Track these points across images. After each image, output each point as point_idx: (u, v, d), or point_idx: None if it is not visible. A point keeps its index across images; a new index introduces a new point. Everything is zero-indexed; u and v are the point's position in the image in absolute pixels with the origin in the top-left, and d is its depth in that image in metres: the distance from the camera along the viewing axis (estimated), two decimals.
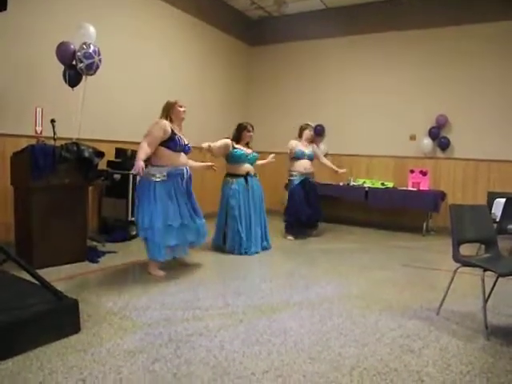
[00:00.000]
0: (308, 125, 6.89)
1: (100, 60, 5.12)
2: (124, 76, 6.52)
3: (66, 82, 5.10)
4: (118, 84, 6.40)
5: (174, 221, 4.33)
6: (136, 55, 6.74)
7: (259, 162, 6.01)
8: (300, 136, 6.84)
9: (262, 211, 5.81)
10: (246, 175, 5.64)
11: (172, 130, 4.35)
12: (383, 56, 8.33)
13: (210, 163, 5.10)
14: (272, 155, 6.12)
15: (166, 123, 4.33)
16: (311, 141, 6.94)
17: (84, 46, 4.98)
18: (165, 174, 4.33)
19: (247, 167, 5.67)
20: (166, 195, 4.33)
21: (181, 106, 4.49)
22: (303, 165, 6.69)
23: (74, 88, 5.17)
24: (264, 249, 5.74)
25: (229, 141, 5.61)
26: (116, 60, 6.21)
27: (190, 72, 7.97)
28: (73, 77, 5.11)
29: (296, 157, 6.66)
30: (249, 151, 5.72)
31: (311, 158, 6.80)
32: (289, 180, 6.81)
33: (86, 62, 4.97)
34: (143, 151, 4.19)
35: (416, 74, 8.02)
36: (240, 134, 5.73)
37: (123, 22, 6.51)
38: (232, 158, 5.62)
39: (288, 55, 9.32)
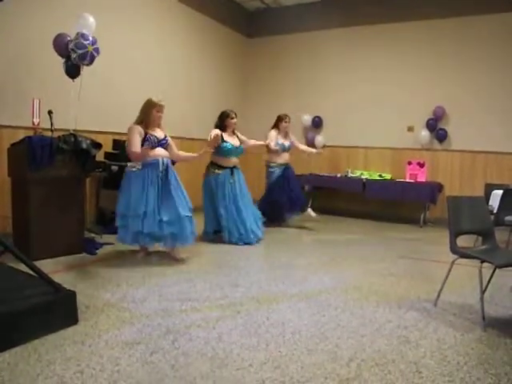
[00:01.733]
0: (286, 115, 6.84)
1: (96, 50, 5.04)
2: (122, 67, 6.49)
3: (66, 73, 5.07)
4: (116, 75, 6.37)
5: (140, 209, 4.42)
6: (133, 46, 6.70)
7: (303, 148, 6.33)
8: (277, 126, 6.79)
9: (250, 202, 5.83)
10: (233, 168, 5.66)
11: (145, 131, 4.53)
12: (381, 48, 8.30)
13: (205, 149, 5.05)
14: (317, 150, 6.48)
15: (137, 128, 4.51)
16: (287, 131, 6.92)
17: (77, 36, 4.93)
18: (140, 165, 4.52)
19: (234, 160, 5.69)
20: (139, 185, 4.48)
21: (158, 111, 4.57)
22: (283, 157, 6.75)
23: (75, 79, 5.13)
24: (258, 239, 5.74)
25: (219, 131, 5.57)
26: (114, 51, 6.16)
27: (187, 63, 7.93)
28: (71, 68, 5.08)
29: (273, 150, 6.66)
30: (237, 144, 5.70)
31: (289, 149, 6.85)
32: (269, 172, 6.80)
33: (79, 52, 4.91)
34: (138, 155, 4.46)
35: (414, 65, 8.00)
36: (223, 121, 5.70)
37: (121, 14, 6.46)
38: (221, 151, 5.58)
39: (286, 47, 9.27)
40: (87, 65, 5.09)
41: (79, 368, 2.44)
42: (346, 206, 8.40)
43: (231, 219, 5.54)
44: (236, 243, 5.51)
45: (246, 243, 5.52)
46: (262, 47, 9.61)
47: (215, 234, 5.69)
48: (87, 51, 4.95)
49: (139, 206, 4.43)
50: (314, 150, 7.18)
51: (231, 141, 5.65)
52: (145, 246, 4.78)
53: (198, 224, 5.00)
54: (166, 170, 4.61)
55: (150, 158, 4.51)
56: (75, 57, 4.95)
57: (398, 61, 8.16)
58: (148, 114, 4.56)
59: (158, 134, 4.64)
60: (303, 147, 7.21)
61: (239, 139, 5.80)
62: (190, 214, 4.64)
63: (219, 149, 5.56)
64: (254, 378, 2.40)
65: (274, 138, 6.63)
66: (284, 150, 6.74)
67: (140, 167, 4.51)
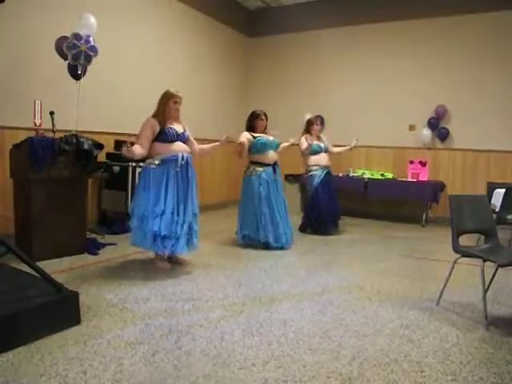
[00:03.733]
0: (316, 118, 6.70)
1: (91, 48, 5.02)
2: (123, 67, 6.50)
3: (70, 74, 5.09)
4: (117, 76, 6.38)
5: (158, 208, 4.18)
6: (134, 46, 6.71)
7: (285, 144, 5.82)
8: (308, 131, 6.56)
9: (285, 203, 5.57)
10: (274, 164, 5.45)
11: (162, 126, 4.28)
12: (382, 46, 8.29)
13: (225, 136, 4.81)
14: (293, 139, 6.01)
15: (152, 121, 4.28)
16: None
17: (70, 37, 4.94)
18: (158, 161, 4.27)
19: (273, 155, 5.45)
20: (158, 182, 4.24)
21: (176, 102, 4.36)
22: (323, 159, 6.49)
23: (78, 80, 5.15)
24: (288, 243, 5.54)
25: (247, 133, 5.42)
26: (115, 52, 6.18)
27: (188, 63, 7.94)
28: (73, 69, 5.09)
29: (313, 152, 6.42)
30: (270, 138, 5.49)
31: (327, 151, 6.61)
32: (308, 177, 6.52)
33: (72, 52, 4.93)
34: (135, 148, 4.13)
35: (415, 64, 7.99)
36: (252, 122, 5.52)
37: (121, 14, 6.47)
38: (256, 148, 5.38)
39: (286, 46, 9.27)
40: (84, 64, 5.08)
41: (82, 368, 2.44)
42: (348, 206, 8.37)
43: (273, 220, 5.32)
44: (276, 247, 5.34)
45: (284, 247, 5.38)
46: (263, 46, 9.61)
47: (245, 239, 5.45)
48: (80, 51, 4.95)
49: (158, 204, 4.18)
50: (348, 147, 6.89)
51: (263, 135, 5.47)
52: (163, 252, 4.37)
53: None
54: (186, 165, 4.35)
55: (169, 153, 4.28)
56: (70, 57, 4.96)
57: (399, 60, 8.14)
58: (165, 106, 4.33)
59: (177, 127, 4.40)
60: (337, 149, 6.92)
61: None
62: (193, 220, 4.46)
63: (252, 147, 5.38)
64: (257, 378, 2.40)
65: (304, 142, 6.39)
66: (320, 150, 6.48)
67: (159, 163, 4.26)
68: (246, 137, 5.39)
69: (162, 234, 4.17)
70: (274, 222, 5.33)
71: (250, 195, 5.37)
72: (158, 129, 4.26)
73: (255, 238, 5.37)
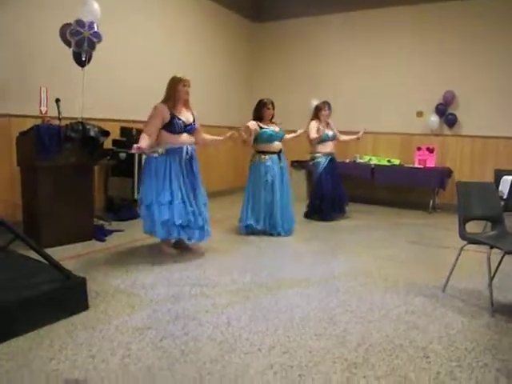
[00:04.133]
0: (324, 103, 6.67)
1: (94, 35, 4.98)
2: (128, 54, 6.47)
3: (75, 61, 5.09)
4: (122, 62, 6.36)
5: (165, 196, 4.20)
6: (138, 32, 6.66)
7: (290, 136, 5.84)
8: (317, 117, 6.51)
9: (288, 191, 5.60)
10: (279, 152, 5.51)
11: (172, 113, 4.25)
12: (390, 32, 8.19)
13: (230, 133, 4.75)
14: (300, 130, 5.98)
15: (162, 108, 4.24)
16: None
17: (73, 24, 4.92)
18: (162, 149, 4.25)
19: (278, 145, 5.50)
20: (162, 171, 4.25)
21: (185, 86, 4.30)
22: (328, 146, 6.51)
23: (84, 67, 5.14)
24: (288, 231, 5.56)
25: (254, 123, 5.43)
26: (119, 39, 6.15)
27: (193, 49, 7.88)
28: (78, 56, 5.08)
29: (321, 140, 6.41)
30: (276, 129, 5.52)
31: (334, 139, 6.64)
32: (314, 164, 6.55)
33: (76, 38, 4.92)
34: (144, 140, 4.13)
35: (423, 49, 7.90)
36: (260, 111, 5.51)
37: (125, 1, 6.42)
38: (262, 138, 5.42)
39: (292, 32, 9.17)
40: (88, 51, 5.07)
41: (91, 353, 2.48)
42: (355, 192, 8.35)
43: (273, 208, 5.39)
44: (273, 234, 5.40)
45: (281, 234, 5.41)
46: (268, 32, 9.51)
47: (248, 228, 5.45)
48: (83, 37, 4.93)
49: (164, 194, 4.19)
50: (355, 136, 6.88)
51: (269, 126, 5.49)
52: (178, 238, 4.47)
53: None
54: (191, 159, 4.39)
55: (174, 144, 4.27)
56: (73, 44, 4.96)
57: (407, 45, 8.05)
58: (174, 91, 4.28)
59: (186, 116, 4.36)
60: (345, 137, 6.91)
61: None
62: (204, 210, 4.51)
63: (258, 138, 5.42)
64: (263, 363, 2.43)
65: (313, 128, 6.37)
66: (328, 139, 6.48)
67: (162, 152, 4.24)
68: (253, 126, 5.40)
69: (177, 223, 4.20)
70: (273, 211, 5.40)
71: (256, 182, 5.42)
72: (168, 116, 4.23)
73: (256, 227, 5.40)
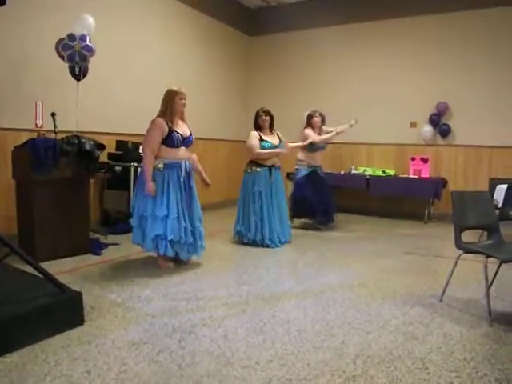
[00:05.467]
0: (315, 111, 6.65)
1: (86, 48, 5.01)
2: (123, 68, 6.49)
3: (71, 75, 5.12)
4: (118, 76, 6.38)
5: (161, 211, 4.19)
6: (134, 46, 6.70)
7: (292, 145, 5.91)
8: (310, 125, 6.55)
9: (283, 204, 5.64)
10: (271, 167, 5.52)
11: (170, 126, 4.25)
12: (383, 44, 8.27)
13: (205, 180, 4.76)
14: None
15: (160, 122, 4.22)
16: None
17: (65, 38, 4.96)
18: (162, 164, 4.25)
19: (273, 158, 5.54)
20: (160, 185, 4.23)
21: (181, 99, 4.31)
22: (314, 158, 6.52)
23: (80, 81, 5.17)
24: (283, 242, 5.58)
25: (256, 133, 5.48)
26: (115, 52, 6.18)
27: (190, 62, 7.93)
28: (74, 70, 5.11)
29: (311, 149, 6.43)
30: (276, 142, 5.54)
31: (324, 149, 6.65)
32: (296, 170, 6.61)
33: (67, 52, 4.96)
34: (149, 161, 4.19)
35: (416, 61, 7.97)
36: (256, 121, 5.58)
37: (121, 14, 6.46)
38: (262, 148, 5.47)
39: (287, 45, 9.25)
40: (81, 64, 5.08)
41: (86, 368, 2.45)
42: (350, 203, 8.38)
43: (263, 219, 5.40)
44: (262, 245, 5.40)
45: (269, 246, 5.40)
46: (264, 45, 9.59)
47: (238, 234, 5.55)
48: (75, 51, 4.97)
49: (161, 208, 4.18)
50: (346, 126, 6.64)
51: (270, 139, 5.51)
52: (165, 254, 4.32)
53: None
54: (189, 174, 4.42)
55: (172, 159, 4.28)
56: (66, 58, 4.98)
57: (400, 57, 8.12)
58: (171, 103, 4.27)
59: (183, 129, 4.37)
60: (329, 135, 6.57)
61: (279, 137, 5.65)
62: (200, 225, 4.52)
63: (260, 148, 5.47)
64: (261, 376, 2.41)
65: (311, 133, 6.41)
66: (318, 149, 6.51)
67: (162, 167, 4.24)
68: (255, 137, 5.46)
69: (169, 238, 4.19)
70: (263, 222, 5.41)
71: (245, 193, 5.52)
72: (166, 129, 4.22)
73: (246, 235, 5.45)
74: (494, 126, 7.35)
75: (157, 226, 4.19)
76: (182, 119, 4.46)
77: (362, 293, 3.84)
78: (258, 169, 5.47)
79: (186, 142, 4.40)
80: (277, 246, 5.43)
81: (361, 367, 2.52)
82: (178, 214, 4.24)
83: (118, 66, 6.37)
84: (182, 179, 4.32)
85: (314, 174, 6.51)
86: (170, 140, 4.25)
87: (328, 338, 2.92)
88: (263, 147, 5.44)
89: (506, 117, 7.28)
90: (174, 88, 4.33)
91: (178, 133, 4.28)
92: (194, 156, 4.61)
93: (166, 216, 4.19)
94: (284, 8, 9.23)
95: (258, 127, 5.57)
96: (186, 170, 4.37)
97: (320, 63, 8.92)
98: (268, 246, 5.39)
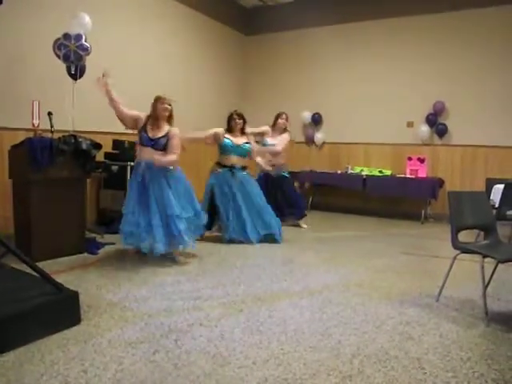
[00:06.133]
0: (283, 113, 6.53)
1: (81, 47, 5.02)
2: (120, 67, 6.44)
3: (68, 74, 5.12)
4: (115, 75, 6.34)
5: (127, 207, 4.56)
6: (130, 46, 6.69)
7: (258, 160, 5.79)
8: (274, 125, 6.50)
9: (258, 201, 5.63)
10: (231, 167, 5.56)
11: (143, 125, 4.55)
12: (380, 43, 8.28)
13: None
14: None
15: (139, 115, 4.61)
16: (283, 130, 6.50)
17: (60, 37, 4.95)
18: (134, 162, 4.73)
19: (233, 159, 5.57)
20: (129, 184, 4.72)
21: (163, 103, 4.57)
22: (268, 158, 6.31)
23: (77, 80, 5.18)
24: (263, 240, 5.64)
25: (220, 130, 5.57)
26: (112, 51, 6.16)
27: (186, 62, 7.92)
28: (69, 69, 5.10)
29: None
30: (239, 142, 5.59)
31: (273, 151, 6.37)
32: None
33: (62, 52, 4.97)
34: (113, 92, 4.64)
35: (413, 60, 7.98)
36: (228, 123, 5.68)
37: (118, 13, 6.46)
38: (220, 148, 5.63)
39: (283, 44, 9.26)
40: (76, 64, 5.08)
41: (83, 367, 2.44)
42: (347, 203, 8.41)
43: (228, 218, 5.51)
44: (226, 241, 5.51)
45: (233, 241, 5.48)
46: (260, 45, 9.59)
47: (209, 228, 5.56)
48: (70, 50, 4.97)
49: (126, 204, 4.59)
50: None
51: (233, 138, 5.59)
52: (124, 245, 4.67)
53: None
54: (148, 173, 4.51)
55: (139, 157, 4.62)
56: (61, 57, 4.98)
57: (396, 56, 8.14)
58: (154, 108, 4.59)
59: (156, 132, 4.54)
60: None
61: (247, 141, 5.66)
62: (184, 216, 4.54)
63: (219, 147, 5.62)
64: (257, 376, 2.41)
65: (283, 144, 6.34)
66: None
67: (134, 164, 4.72)
68: (217, 130, 5.58)
69: (126, 231, 4.52)
70: (234, 220, 5.51)
71: (207, 191, 5.65)
72: (141, 122, 4.59)
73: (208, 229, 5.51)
74: (490, 125, 7.37)
75: (122, 221, 4.60)
76: (169, 123, 4.65)
77: (359, 292, 3.84)
78: (219, 169, 5.59)
79: (154, 143, 4.54)
80: (247, 241, 5.51)
81: (357, 367, 2.52)
82: (133, 209, 4.50)
83: (115, 65, 6.31)
84: (139, 179, 4.54)
85: (264, 178, 6.42)
86: (140, 138, 4.59)
87: (324, 337, 2.92)
88: (224, 145, 5.55)
89: (502, 117, 7.30)
90: (159, 94, 4.63)
91: (146, 133, 4.54)
92: (156, 156, 4.55)
93: (126, 212, 4.56)
94: (280, 7, 9.23)
95: (229, 129, 5.66)
96: (145, 169, 4.52)
97: (316, 63, 8.93)
98: (242, 242, 5.50)
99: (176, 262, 4.62)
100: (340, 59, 8.71)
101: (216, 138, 5.55)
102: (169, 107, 4.61)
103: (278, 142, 6.38)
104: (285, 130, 6.50)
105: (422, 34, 7.88)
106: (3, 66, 5.02)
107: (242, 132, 5.70)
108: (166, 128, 4.60)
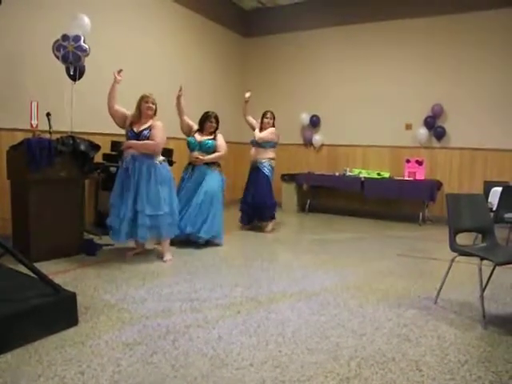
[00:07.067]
0: (268, 111, 6.55)
1: (79, 48, 5.01)
2: (118, 68, 6.46)
3: (68, 76, 5.13)
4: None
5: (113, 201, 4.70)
6: (129, 47, 6.68)
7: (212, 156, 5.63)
8: (261, 123, 6.52)
9: (204, 200, 5.40)
10: (189, 164, 5.57)
11: (131, 124, 4.71)
12: (379, 45, 8.29)
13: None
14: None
15: (128, 115, 4.79)
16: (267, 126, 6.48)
17: (58, 38, 4.96)
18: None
19: (193, 156, 5.50)
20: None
21: (147, 102, 4.69)
22: (253, 152, 6.51)
23: (76, 81, 5.18)
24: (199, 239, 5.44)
25: (195, 127, 5.59)
26: (111, 53, 6.16)
27: (185, 64, 7.92)
28: (68, 70, 5.10)
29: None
30: (202, 139, 5.50)
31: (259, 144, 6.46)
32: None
33: (61, 53, 4.96)
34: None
35: (412, 63, 8.00)
36: (202, 123, 5.60)
37: (117, 15, 6.45)
38: (187, 145, 5.60)
39: (282, 46, 9.27)
40: (75, 65, 5.08)
41: (80, 369, 2.44)
42: (345, 205, 8.41)
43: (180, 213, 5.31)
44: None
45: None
46: (259, 46, 9.60)
47: None
48: (68, 51, 4.97)
49: (111, 197, 4.75)
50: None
51: (199, 136, 5.52)
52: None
53: None
54: (132, 165, 4.59)
55: (125, 153, 4.69)
56: (60, 59, 4.98)
57: (395, 59, 8.15)
58: (139, 106, 4.74)
59: (140, 126, 4.68)
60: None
61: (214, 140, 5.56)
62: (152, 213, 4.57)
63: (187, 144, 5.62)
64: (255, 378, 2.40)
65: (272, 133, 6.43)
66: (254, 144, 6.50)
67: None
68: (194, 126, 5.64)
69: (110, 226, 4.73)
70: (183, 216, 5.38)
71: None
72: (127, 121, 4.75)
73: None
74: (488, 128, 7.38)
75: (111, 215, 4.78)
76: (148, 118, 4.74)
77: (356, 295, 3.84)
78: (186, 165, 5.64)
79: (138, 136, 4.65)
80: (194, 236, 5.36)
81: (355, 369, 2.52)
82: (114, 201, 4.69)
83: (113, 66, 6.32)
84: (129, 171, 4.62)
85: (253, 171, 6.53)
86: (126, 134, 4.74)
87: (322, 339, 2.92)
88: (188, 142, 5.56)
89: (500, 120, 7.31)
90: (144, 93, 4.78)
91: (132, 130, 4.68)
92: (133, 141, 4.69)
93: (112, 204, 4.74)
94: (279, 9, 9.25)
95: (201, 129, 5.59)
96: (129, 162, 4.61)
97: (315, 65, 8.94)
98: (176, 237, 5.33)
99: (174, 262, 4.61)
100: (338, 61, 8.72)
101: (189, 127, 5.60)
102: (153, 106, 4.72)
103: (263, 134, 6.43)
104: (271, 127, 6.50)
105: (421, 37, 7.89)
106: (2, 66, 5.01)
107: (212, 134, 5.58)
108: (149, 122, 4.72)
